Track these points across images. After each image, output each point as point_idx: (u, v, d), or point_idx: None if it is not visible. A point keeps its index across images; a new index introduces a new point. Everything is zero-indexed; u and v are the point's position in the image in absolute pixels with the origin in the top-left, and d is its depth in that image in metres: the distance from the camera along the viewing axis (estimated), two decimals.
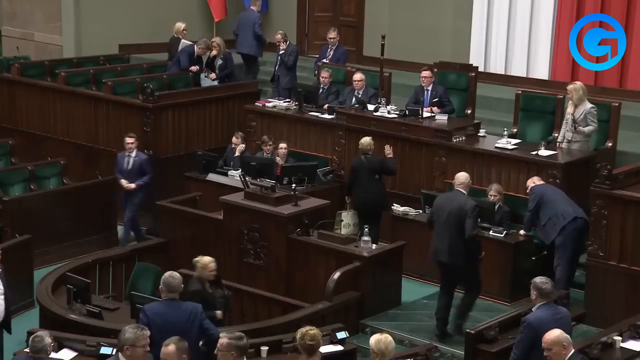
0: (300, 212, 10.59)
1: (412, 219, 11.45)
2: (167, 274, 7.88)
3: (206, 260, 8.89)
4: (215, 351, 6.76)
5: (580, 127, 11.43)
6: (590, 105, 11.52)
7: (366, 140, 11.46)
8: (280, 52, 14.74)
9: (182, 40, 15.19)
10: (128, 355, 6.68)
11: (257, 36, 15.56)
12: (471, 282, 9.89)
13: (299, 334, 6.96)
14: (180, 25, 15.32)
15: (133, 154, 12.27)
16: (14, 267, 10.58)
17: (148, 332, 6.80)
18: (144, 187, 12.32)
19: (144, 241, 11.96)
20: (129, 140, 12.22)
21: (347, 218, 11.50)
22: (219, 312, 8.73)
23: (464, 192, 9.79)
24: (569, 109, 11.58)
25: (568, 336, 6.93)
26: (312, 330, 6.94)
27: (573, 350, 6.90)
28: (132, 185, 12.19)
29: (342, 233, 11.17)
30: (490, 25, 14.98)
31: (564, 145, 11.55)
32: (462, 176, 9.89)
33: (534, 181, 10.61)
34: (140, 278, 10.23)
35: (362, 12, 16.55)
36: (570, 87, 11.64)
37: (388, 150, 11.58)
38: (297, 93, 13.51)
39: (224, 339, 6.68)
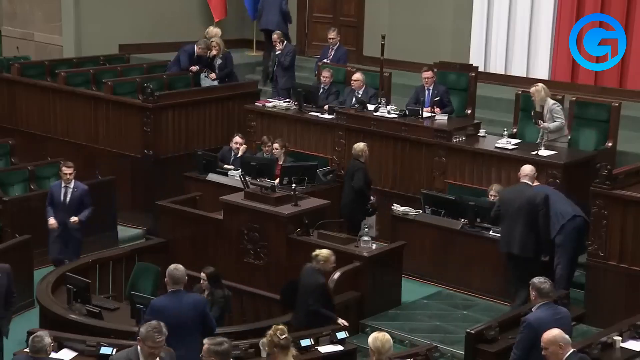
0: (300, 212, 10.60)
1: (412, 219, 11.44)
2: (172, 266, 8.11)
3: (327, 253, 9.18)
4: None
5: (545, 124, 11.53)
6: (552, 102, 11.65)
7: (359, 146, 11.42)
8: (277, 52, 14.74)
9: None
10: (141, 347, 6.81)
11: (284, 13, 15.70)
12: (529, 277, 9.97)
13: (267, 336, 6.90)
14: (213, 30, 15.13)
15: (71, 185, 11.02)
16: (14, 267, 10.56)
17: (161, 337, 6.83)
18: (84, 224, 11.10)
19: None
20: (66, 170, 11.01)
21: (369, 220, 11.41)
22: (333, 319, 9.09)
23: (530, 183, 10.04)
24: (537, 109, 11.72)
25: (566, 336, 6.93)
26: (280, 326, 6.92)
27: (571, 350, 6.90)
28: (75, 219, 10.91)
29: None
30: (490, 25, 14.97)
31: (544, 144, 11.53)
32: (527, 168, 10.17)
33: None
34: (140, 278, 10.25)
35: (362, 12, 16.54)
36: (532, 89, 11.79)
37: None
38: (297, 93, 13.51)
39: (205, 344, 6.68)
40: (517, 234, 9.95)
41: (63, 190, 11.05)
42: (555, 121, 11.56)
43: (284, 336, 6.89)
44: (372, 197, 11.52)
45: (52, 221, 10.99)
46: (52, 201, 11.08)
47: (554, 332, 6.89)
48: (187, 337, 7.75)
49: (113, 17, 16.39)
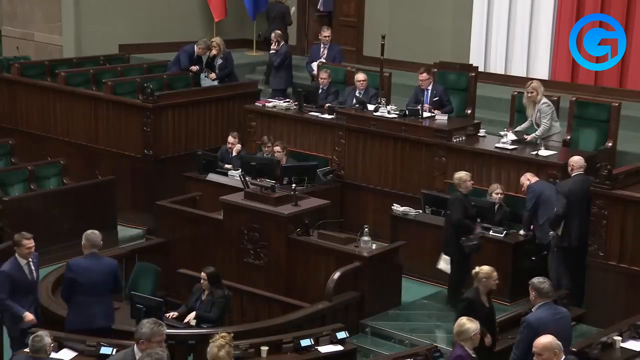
0: (300, 212, 10.59)
1: (412, 219, 11.44)
2: (89, 231, 8.91)
3: (488, 269, 8.51)
4: None
5: (533, 135, 11.59)
6: (543, 101, 11.68)
7: (458, 174, 10.48)
8: (271, 52, 14.75)
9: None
10: (142, 348, 6.78)
11: None
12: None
13: (221, 347, 6.77)
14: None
15: (32, 258, 9.06)
16: None
17: (164, 329, 6.93)
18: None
19: None
20: (29, 243, 8.95)
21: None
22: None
23: (584, 173, 10.19)
24: (529, 109, 11.75)
25: (560, 343, 6.90)
26: (224, 334, 6.93)
27: (564, 357, 6.88)
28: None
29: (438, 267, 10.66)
30: (490, 25, 14.98)
31: (539, 141, 11.55)
32: (580, 159, 10.23)
33: (528, 178, 10.59)
34: (140, 278, 10.25)
35: (362, 12, 16.54)
36: (535, 84, 11.75)
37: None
38: (297, 93, 13.52)
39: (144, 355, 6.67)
40: (584, 225, 10.08)
41: (26, 269, 8.96)
42: (541, 124, 11.57)
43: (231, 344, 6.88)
44: (477, 229, 10.50)
45: (30, 316, 8.86)
46: (14, 288, 8.83)
47: (548, 339, 6.87)
48: (102, 295, 8.80)
49: (113, 17, 16.40)
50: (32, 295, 9.04)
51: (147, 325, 6.86)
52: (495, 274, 8.48)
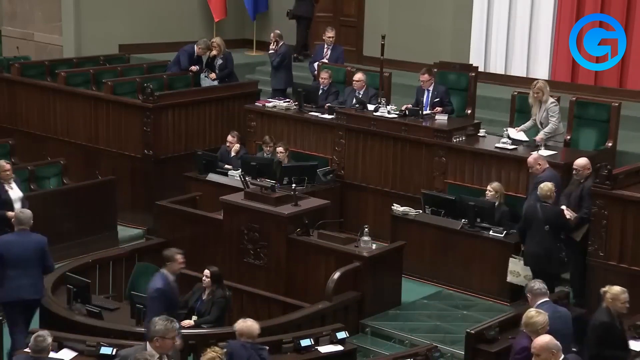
0: (300, 212, 10.59)
1: (412, 219, 11.43)
2: (19, 210, 9.63)
3: (617, 290, 7.89)
4: None
5: (542, 134, 11.52)
6: (551, 100, 11.66)
7: (547, 185, 10.01)
8: (270, 52, 14.76)
9: None
10: (157, 346, 6.82)
11: None
12: None
13: (212, 356, 7.05)
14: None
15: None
16: None
17: (177, 325, 6.99)
18: None
19: None
20: (182, 259, 8.87)
21: (517, 266, 10.40)
22: None
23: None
24: (534, 108, 11.71)
25: (558, 343, 6.89)
26: (215, 348, 7.12)
27: (563, 357, 6.88)
28: None
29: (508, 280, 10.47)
30: (490, 25, 14.98)
31: (540, 145, 11.50)
32: (586, 162, 10.29)
33: (538, 162, 10.48)
34: (140, 278, 10.24)
35: (362, 12, 16.55)
36: (540, 84, 11.70)
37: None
38: (297, 93, 13.52)
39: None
40: None
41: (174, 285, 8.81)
42: (549, 121, 11.57)
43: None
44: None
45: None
46: (166, 306, 8.40)
47: (545, 339, 6.87)
48: (30, 269, 9.16)
49: (113, 17, 16.41)
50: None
51: (160, 322, 6.88)
52: (624, 295, 7.84)
